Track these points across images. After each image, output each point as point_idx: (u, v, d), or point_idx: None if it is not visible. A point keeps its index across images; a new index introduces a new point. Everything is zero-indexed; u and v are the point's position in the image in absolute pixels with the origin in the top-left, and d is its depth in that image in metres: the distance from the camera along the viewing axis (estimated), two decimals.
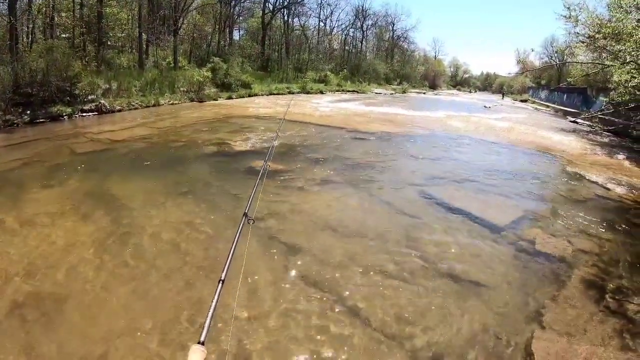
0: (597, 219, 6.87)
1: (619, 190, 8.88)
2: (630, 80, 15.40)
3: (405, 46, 76.36)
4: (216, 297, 1.68)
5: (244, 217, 2.38)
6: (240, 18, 44.41)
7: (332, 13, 63.05)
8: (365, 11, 62.41)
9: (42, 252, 4.69)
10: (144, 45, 26.74)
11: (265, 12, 43.29)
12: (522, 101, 52.90)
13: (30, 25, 19.54)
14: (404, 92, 54.56)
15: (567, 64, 38.56)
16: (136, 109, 18.07)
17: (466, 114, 26.10)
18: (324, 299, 4.07)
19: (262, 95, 29.60)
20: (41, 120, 13.52)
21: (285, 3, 45.18)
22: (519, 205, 7.48)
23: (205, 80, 24.70)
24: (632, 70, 15.30)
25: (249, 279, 4.20)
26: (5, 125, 12.27)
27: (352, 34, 63.50)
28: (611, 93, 18.09)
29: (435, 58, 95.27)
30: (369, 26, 65.47)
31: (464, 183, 8.63)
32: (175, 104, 20.92)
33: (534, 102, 48.10)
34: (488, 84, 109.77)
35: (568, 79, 27.15)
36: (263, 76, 35.65)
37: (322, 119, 17.90)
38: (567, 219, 6.85)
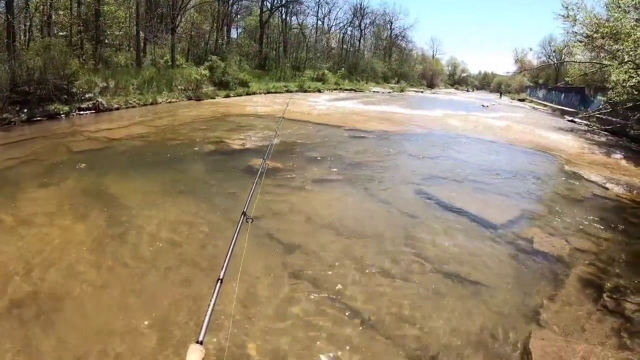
0: (595, 218, 6.89)
1: (617, 189, 8.91)
2: (628, 80, 15.45)
3: (403, 45, 76.36)
4: (215, 296, 1.66)
5: (242, 216, 2.37)
6: (238, 16, 44.27)
7: (330, 11, 63.09)
8: (363, 10, 62.41)
9: (39, 251, 4.67)
10: (142, 44, 26.64)
11: (263, 10, 43.18)
12: (519, 100, 52.99)
13: (28, 23, 19.39)
14: (401, 90, 54.51)
15: (565, 63, 38.58)
16: (134, 107, 18.00)
17: (464, 113, 26.12)
18: (323, 297, 4.07)
19: (260, 93, 29.52)
20: (38, 118, 13.44)
21: (283, 1, 45.07)
22: (517, 204, 7.50)
23: (202, 78, 24.61)
24: (630, 70, 15.35)
25: (247, 277, 4.18)
26: (2, 124, 12.20)
27: (350, 33, 63.51)
28: (609, 92, 18.14)
29: (433, 57, 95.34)
30: (367, 25, 65.48)
31: (462, 182, 8.64)
32: (173, 102, 20.84)
33: (531, 102, 48.20)
34: (486, 83, 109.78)
35: (566, 79, 27.20)
36: (261, 75, 35.54)
37: (320, 118, 17.88)
38: (565, 218, 6.87)
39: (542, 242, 5.74)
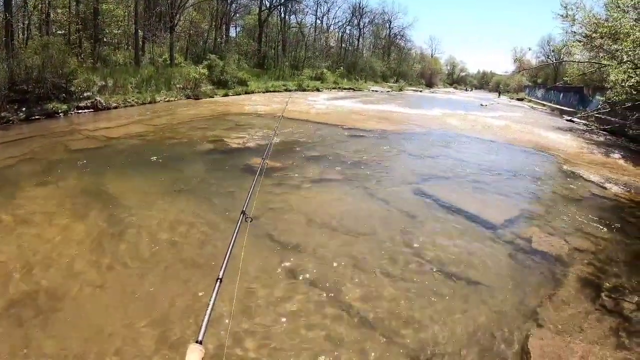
0: (594, 218, 6.90)
1: (615, 189, 8.93)
2: (627, 80, 15.45)
3: (402, 44, 76.41)
4: (214, 295, 1.66)
5: (241, 215, 2.36)
6: (237, 15, 44.15)
7: (329, 10, 62.80)
8: (362, 9, 62.40)
9: (38, 250, 4.66)
10: (140, 42, 26.58)
11: (262, 9, 43.15)
12: (518, 100, 53.09)
13: (26, 22, 19.34)
14: (400, 90, 54.58)
15: (563, 63, 38.61)
16: (132, 106, 17.96)
17: (462, 112, 26.13)
18: (322, 297, 4.07)
19: (259, 92, 29.50)
20: (37, 117, 13.40)
21: (282, 0, 45.05)
22: (516, 203, 7.51)
23: (201, 77, 24.57)
24: (628, 70, 15.35)
25: (247, 277, 4.18)
26: (0, 123, 12.17)
27: (348, 32, 63.47)
28: (607, 92, 18.15)
29: (431, 56, 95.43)
30: (365, 24, 65.47)
31: (461, 181, 8.65)
32: (171, 101, 20.81)
33: (530, 101, 48.30)
34: (484, 82, 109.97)
35: (564, 78, 27.25)
36: (259, 73, 35.52)
37: (318, 117, 17.87)
38: (564, 217, 6.88)
39: (541, 242, 5.75)
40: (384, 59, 68.70)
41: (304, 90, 36.15)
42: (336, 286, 4.28)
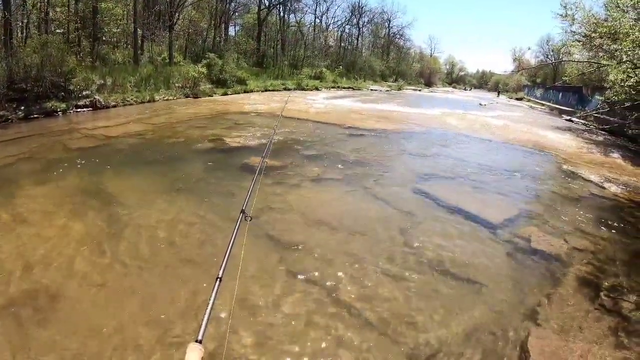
0: (593, 217, 6.91)
1: (614, 188, 8.94)
2: (626, 80, 15.47)
3: (401, 43, 76.46)
4: (214, 295, 1.65)
5: (241, 214, 2.36)
6: (236, 14, 44.15)
7: (328, 9, 62.74)
8: (362, 8, 62.41)
9: (37, 249, 4.65)
10: (139, 41, 26.53)
11: (261, 8, 43.14)
12: (517, 99, 53.12)
13: (25, 20, 19.33)
14: (399, 89, 54.60)
15: (562, 62, 38.63)
16: (131, 104, 17.94)
17: (462, 111, 26.14)
18: (321, 296, 4.06)
19: (258, 91, 29.50)
20: (35, 115, 13.38)
21: None
22: (516, 203, 7.51)
23: (200, 76, 24.55)
24: (628, 70, 15.37)
25: (246, 276, 4.17)
26: None
27: (348, 31, 63.52)
28: (607, 92, 18.20)
29: (431, 55, 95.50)
30: (365, 23, 65.51)
31: (460, 181, 8.65)
32: (171, 99, 20.79)
33: (529, 100, 48.32)
34: (484, 81, 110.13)
35: (563, 78, 27.35)
36: (258, 72, 35.51)
37: (318, 116, 17.86)
38: (563, 217, 6.88)
39: (540, 241, 5.75)
40: (383, 58, 68.72)
41: (303, 89, 36.15)
42: (336, 285, 4.27)
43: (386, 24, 71.65)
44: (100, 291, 3.95)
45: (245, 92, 27.98)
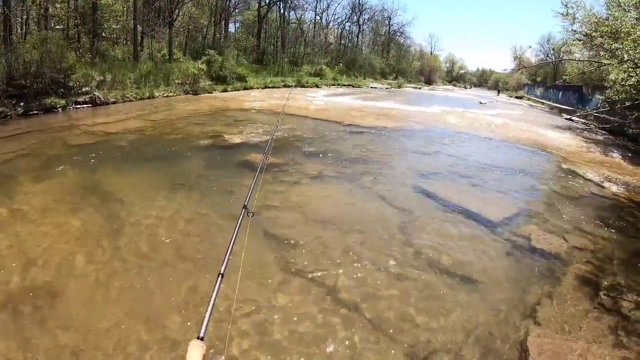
0: (592, 217, 6.92)
1: (614, 188, 8.94)
2: (627, 79, 15.45)
3: (402, 41, 76.28)
4: (215, 291, 1.64)
5: (243, 210, 2.34)
6: (236, 10, 44.03)
7: (328, 7, 62.80)
8: (362, 5, 62.21)
9: (36, 246, 4.64)
10: (139, 37, 26.50)
11: (262, 4, 43.02)
12: (517, 98, 53.01)
13: (25, 16, 19.29)
14: (399, 87, 54.51)
15: (563, 61, 38.60)
16: (130, 101, 17.91)
17: (461, 109, 26.11)
18: (321, 293, 4.07)
19: (257, 88, 29.44)
20: (35, 112, 13.35)
21: None
22: (515, 201, 7.51)
23: (200, 72, 24.51)
24: (629, 69, 15.35)
25: (248, 272, 4.16)
26: None
27: (348, 28, 63.38)
28: (607, 91, 18.15)
29: (431, 53, 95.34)
30: (365, 20, 65.35)
31: (459, 179, 8.64)
32: (170, 96, 20.75)
33: (529, 99, 48.25)
34: (484, 80, 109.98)
35: (564, 77, 27.30)
36: (258, 69, 35.44)
37: (318, 113, 17.84)
38: (563, 215, 6.89)
39: (540, 240, 5.75)
40: (383, 56, 68.60)
41: (303, 86, 36.08)
42: (335, 283, 4.27)
43: (386, 21, 71.55)
44: (100, 287, 3.95)
45: (245, 89, 27.94)
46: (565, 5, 17.84)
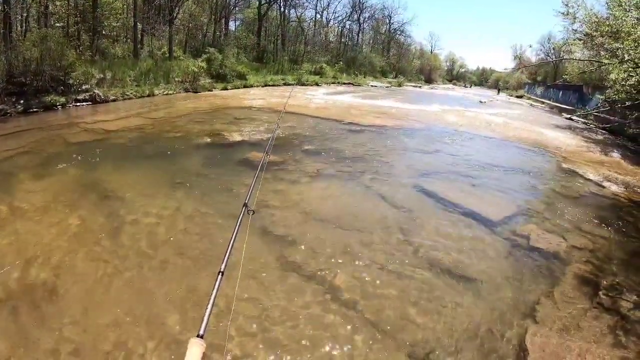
0: (592, 216, 6.92)
1: (614, 188, 8.94)
2: (627, 79, 15.44)
3: (402, 40, 76.07)
4: (215, 289, 1.64)
5: (243, 208, 2.34)
6: (236, 8, 43.95)
7: (328, 5, 62.61)
8: (362, 3, 62.05)
9: (35, 243, 4.64)
10: (139, 35, 26.46)
11: (262, 2, 42.90)
12: (517, 97, 52.98)
13: (25, 14, 19.24)
14: (399, 85, 54.46)
15: (563, 61, 38.60)
16: (130, 99, 17.89)
17: (461, 108, 26.11)
18: (321, 291, 4.07)
19: (258, 86, 29.42)
20: (35, 110, 13.34)
21: None
22: (515, 201, 7.51)
23: (200, 70, 24.50)
24: (629, 69, 15.35)
25: (248, 270, 4.16)
26: None
27: (348, 27, 63.20)
28: (607, 91, 18.14)
29: (431, 52, 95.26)
30: (365, 19, 65.21)
31: (459, 178, 8.64)
32: (170, 94, 20.72)
33: (529, 98, 48.19)
34: (484, 79, 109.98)
35: (564, 76, 27.30)
36: (258, 67, 35.40)
37: (318, 111, 17.84)
38: (562, 215, 6.89)
39: (539, 239, 5.75)
40: (383, 55, 68.48)
41: (303, 84, 36.04)
42: (335, 281, 4.27)
43: (387, 20, 71.40)
44: (100, 285, 3.95)
45: (245, 87, 27.92)
46: (566, 5, 17.85)
